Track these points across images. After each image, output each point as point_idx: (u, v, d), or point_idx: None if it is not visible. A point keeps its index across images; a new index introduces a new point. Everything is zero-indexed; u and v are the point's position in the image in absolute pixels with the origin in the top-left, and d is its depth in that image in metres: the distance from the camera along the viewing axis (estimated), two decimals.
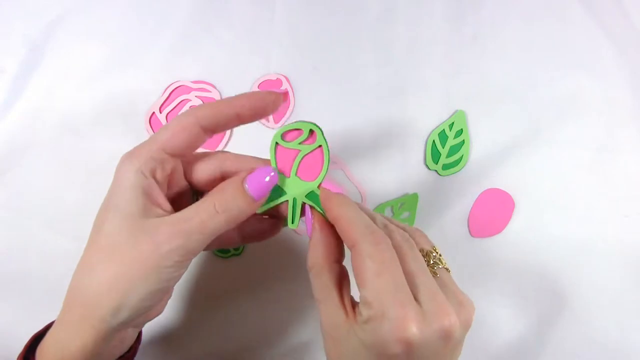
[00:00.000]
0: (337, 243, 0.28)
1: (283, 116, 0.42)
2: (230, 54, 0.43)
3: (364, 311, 0.24)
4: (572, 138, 0.43)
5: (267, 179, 0.28)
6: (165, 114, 0.42)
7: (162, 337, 0.42)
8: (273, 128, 0.42)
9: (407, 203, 0.42)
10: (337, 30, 0.43)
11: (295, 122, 0.30)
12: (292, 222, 0.30)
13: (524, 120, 0.43)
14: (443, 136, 0.42)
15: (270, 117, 0.42)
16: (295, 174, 0.30)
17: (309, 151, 0.30)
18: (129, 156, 0.27)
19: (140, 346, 0.42)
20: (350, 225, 0.26)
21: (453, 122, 0.42)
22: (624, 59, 0.44)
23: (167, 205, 0.28)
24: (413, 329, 0.23)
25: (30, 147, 0.42)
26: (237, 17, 0.43)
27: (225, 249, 0.42)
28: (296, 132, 0.30)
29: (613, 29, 0.44)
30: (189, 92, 0.42)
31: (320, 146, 0.30)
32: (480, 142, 0.43)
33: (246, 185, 0.27)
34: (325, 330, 0.26)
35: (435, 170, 0.43)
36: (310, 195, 0.30)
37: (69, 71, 0.42)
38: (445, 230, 0.42)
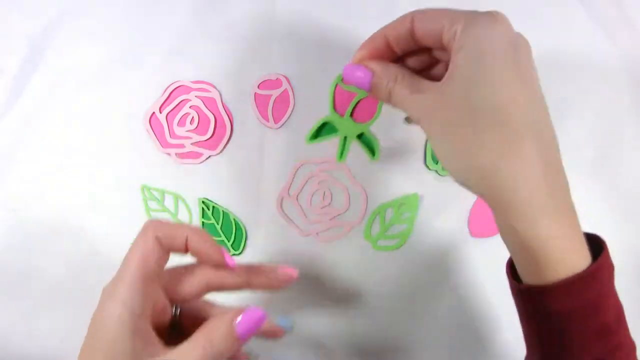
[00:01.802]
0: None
1: (283, 116, 0.42)
2: (230, 54, 0.43)
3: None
4: (572, 138, 0.43)
5: (256, 322, 0.28)
6: (165, 114, 0.42)
7: None
8: (272, 127, 0.42)
9: (407, 203, 0.42)
10: (338, 30, 0.43)
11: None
12: (341, 157, 0.35)
13: None
14: None
15: (270, 117, 0.42)
16: (350, 115, 0.34)
17: (364, 96, 0.34)
18: (110, 294, 0.26)
19: None
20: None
21: None
22: (624, 59, 0.44)
23: (157, 342, 0.27)
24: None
25: (30, 146, 0.42)
26: (237, 17, 0.43)
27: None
28: None
29: (613, 29, 0.44)
30: (189, 92, 0.42)
31: None
32: None
33: (236, 327, 0.27)
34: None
35: (435, 170, 0.43)
36: (362, 136, 0.34)
37: (69, 71, 0.42)
38: (445, 230, 0.42)
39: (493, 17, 0.26)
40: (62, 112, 0.42)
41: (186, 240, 0.27)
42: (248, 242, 0.42)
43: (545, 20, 0.44)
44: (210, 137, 0.42)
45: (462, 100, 0.25)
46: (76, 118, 0.42)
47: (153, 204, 0.42)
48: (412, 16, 0.28)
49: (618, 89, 0.44)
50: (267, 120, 0.42)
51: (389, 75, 0.29)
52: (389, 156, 0.43)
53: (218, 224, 0.42)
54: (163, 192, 0.42)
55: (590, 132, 0.44)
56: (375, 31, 0.30)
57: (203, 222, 0.42)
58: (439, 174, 0.43)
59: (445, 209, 0.43)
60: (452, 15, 0.26)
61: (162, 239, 0.27)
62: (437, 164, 0.42)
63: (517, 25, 0.44)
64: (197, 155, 0.42)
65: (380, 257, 0.42)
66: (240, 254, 0.42)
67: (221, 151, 0.42)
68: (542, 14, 0.44)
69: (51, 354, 0.42)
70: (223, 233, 0.42)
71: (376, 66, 0.30)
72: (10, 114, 0.42)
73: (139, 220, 0.41)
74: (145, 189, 0.42)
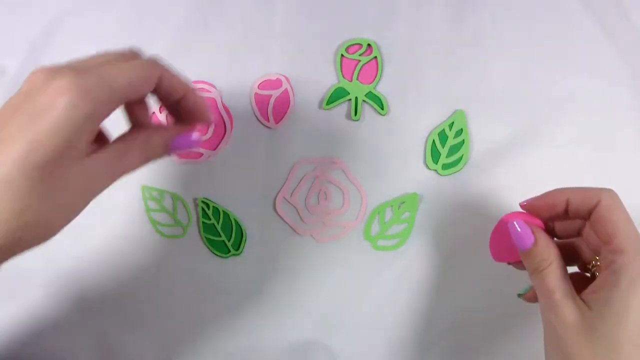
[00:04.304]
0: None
1: (283, 116, 0.42)
2: (230, 54, 0.43)
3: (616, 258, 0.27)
4: (571, 138, 0.43)
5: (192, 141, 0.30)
6: (165, 114, 0.42)
7: (161, 336, 0.42)
8: (272, 127, 0.42)
9: (407, 203, 0.42)
10: (337, 30, 0.43)
11: (355, 38, 0.42)
12: (355, 115, 0.41)
13: (524, 120, 0.43)
14: (443, 136, 0.42)
15: (270, 117, 0.42)
16: (357, 79, 0.41)
17: (366, 61, 0.41)
18: (84, 94, 0.25)
19: (140, 344, 0.43)
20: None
21: (453, 122, 0.42)
22: (624, 59, 0.44)
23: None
24: None
25: None
26: (237, 17, 0.43)
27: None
28: (357, 46, 0.42)
29: (613, 29, 0.44)
30: None
31: (375, 57, 0.41)
32: (480, 142, 0.43)
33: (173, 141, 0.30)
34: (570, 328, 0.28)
35: (435, 170, 0.43)
36: (369, 95, 0.41)
37: None
38: (445, 230, 0.43)
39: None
40: None
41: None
42: (247, 241, 0.42)
43: (545, 21, 0.44)
44: (210, 137, 0.42)
45: (588, 333, 0.27)
46: None
47: (153, 204, 0.42)
48: (600, 196, 0.29)
49: (618, 88, 0.44)
50: (267, 120, 0.42)
51: (546, 254, 0.30)
52: (389, 156, 0.43)
53: (218, 224, 0.42)
54: (162, 192, 0.42)
55: (590, 131, 0.43)
56: (557, 188, 0.32)
57: (203, 222, 0.42)
58: (438, 174, 0.43)
59: (445, 209, 0.43)
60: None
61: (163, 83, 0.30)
62: (436, 163, 0.42)
63: (518, 26, 0.44)
64: (196, 155, 0.42)
65: (380, 257, 0.42)
66: (239, 253, 0.42)
67: (221, 151, 0.42)
68: (542, 13, 0.44)
69: (51, 354, 0.42)
70: (223, 233, 0.42)
71: (541, 237, 0.30)
72: None
73: (139, 221, 0.42)
74: (145, 189, 0.42)
